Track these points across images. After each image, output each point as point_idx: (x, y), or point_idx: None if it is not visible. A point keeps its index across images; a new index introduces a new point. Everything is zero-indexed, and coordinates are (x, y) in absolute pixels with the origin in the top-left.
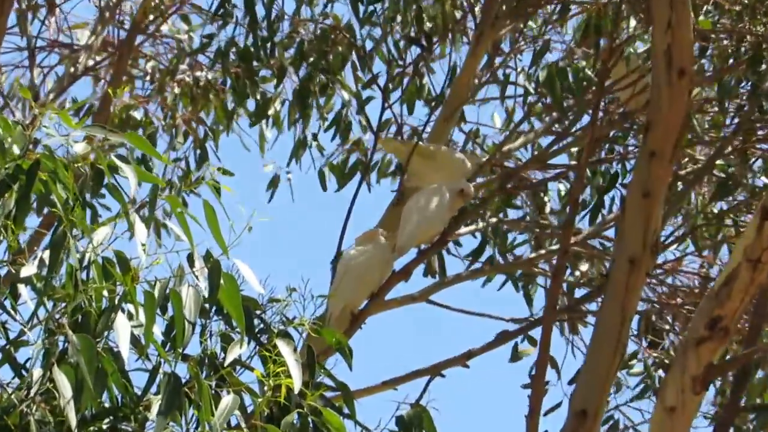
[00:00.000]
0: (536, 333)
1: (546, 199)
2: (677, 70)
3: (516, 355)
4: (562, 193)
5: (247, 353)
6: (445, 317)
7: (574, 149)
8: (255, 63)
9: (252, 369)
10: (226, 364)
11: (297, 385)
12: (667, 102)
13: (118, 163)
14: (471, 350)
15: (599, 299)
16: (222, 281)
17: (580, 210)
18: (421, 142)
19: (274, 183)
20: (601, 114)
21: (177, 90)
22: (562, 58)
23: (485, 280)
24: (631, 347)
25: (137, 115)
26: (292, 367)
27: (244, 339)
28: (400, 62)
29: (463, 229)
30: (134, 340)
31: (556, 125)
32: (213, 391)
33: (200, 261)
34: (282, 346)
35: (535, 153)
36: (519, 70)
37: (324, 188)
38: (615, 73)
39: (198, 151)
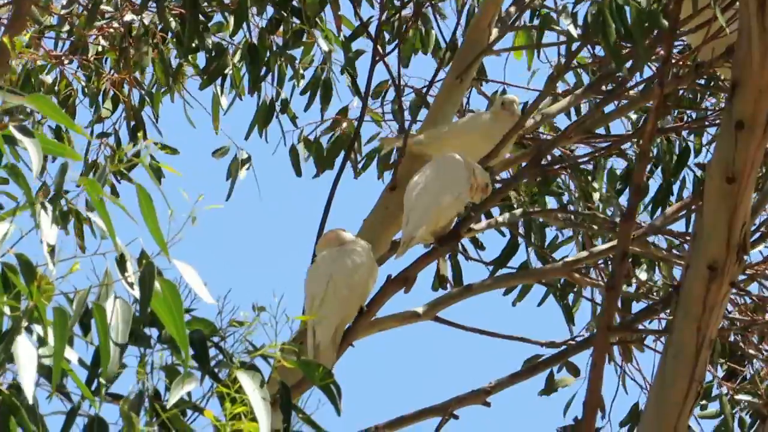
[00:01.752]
0: (577, 359)
1: (594, 183)
2: None
3: (551, 387)
4: (617, 172)
5: (201, 392)
6: (459, 337)
7: (631, 114)
8: (205, 2)
9: (203, 411)
10: (169, 405)
11: (264, 431)
12: (759, 54)
13: (16, 134)
14: (492, 384)
15: (664, 315)
16: (160, 290)
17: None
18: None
19: (234, 168)
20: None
21: (101, 41)
22: None
23: (519, 293)
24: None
25: (48, 78)
26: (257, 407)
27: (188, 368)
28: (397, 1)
29: (482, 223)
30: (47, 373)
31: (607, 83)
32: None
33: (134, 265)
34: (245, 380)
35: (576, 119)
36: (560, 9)
37: (298, 173)
38: (683, 10)
39: (132, 123)
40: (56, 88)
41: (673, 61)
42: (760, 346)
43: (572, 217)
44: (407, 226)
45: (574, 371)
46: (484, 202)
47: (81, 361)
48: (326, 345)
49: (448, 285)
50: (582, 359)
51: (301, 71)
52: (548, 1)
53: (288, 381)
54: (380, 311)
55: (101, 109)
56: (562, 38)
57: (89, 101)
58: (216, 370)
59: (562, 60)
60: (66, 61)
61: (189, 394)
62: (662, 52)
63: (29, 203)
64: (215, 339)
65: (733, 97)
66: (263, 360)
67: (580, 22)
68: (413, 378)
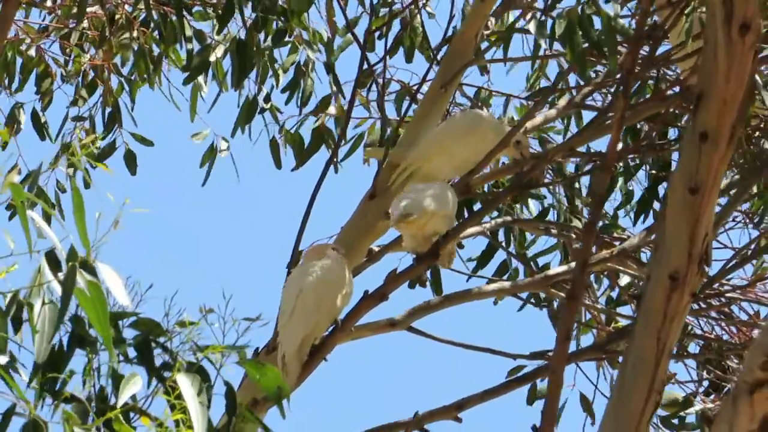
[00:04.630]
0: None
1: (576, 185)
2: (739, 24)
3: (535, 395)
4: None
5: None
6: (433, 347)
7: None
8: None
9: (148, 415)
10: (119, 405)
11: None
12: (724, 67)
13: None
14: (464, 399)
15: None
16: (87, 291)
17: (626, 208)
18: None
19: (209, 157)
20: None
21: (85, 25)
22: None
23: (496, 297)
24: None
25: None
26: (193, 412)
27: (116, 364)
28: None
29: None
30: None
31: (593, 97)
32: None
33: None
34: (184, 383)
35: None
36: (529, 18)
37: (278, 165)
38: (673, 37)
39: (109, 110)
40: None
41: (659, 81)
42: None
43: (551, 227)
44: (406, 204)
45: None
46: (465, 222)
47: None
48: (290, 357)
49: (426, 284)
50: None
51: (281, 72)
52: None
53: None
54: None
55: (79, 92)
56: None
57: (74, 83)
58: (162, 371)
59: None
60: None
61: (134, 395)
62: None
63: None
64: (162, 340)
65: (698, 109)
66: (211, 363)
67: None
68: (385, 388)
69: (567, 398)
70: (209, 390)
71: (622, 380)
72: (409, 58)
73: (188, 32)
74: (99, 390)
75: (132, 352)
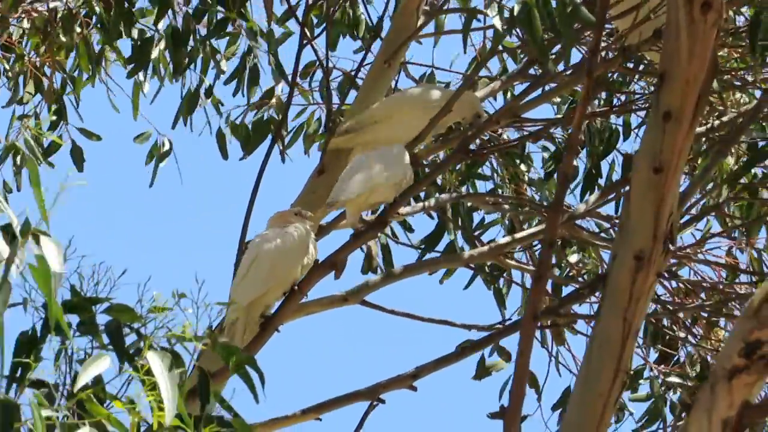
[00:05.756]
0: (508, 343)
1: (522, 166)
2: (701, 2)
3: (483, 371)
4: (545, 156)
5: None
6: (387, 321)
7: (557, 99)
8: None
9: (114, 398)
10: (77, 387)
11: (169, 415)
12: (686, 47)
13: None
14: (419, 368)
15: (593, 299)
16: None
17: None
18: (341, 122)
19: (154, 155)
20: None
21: (26, 24)
22: None
23: (444, 274)
24: (636, 361)
25: None
26: (163, 389)
27: (71, 340)
28: None
29: (411, 207)
30: None
31: (534, 68)
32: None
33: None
34: (153, 361)
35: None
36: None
37: (224, 156)
38: None
39: (54, 107)
40: None
41: (602, 45)
42: (692, 329)
43: (501, 201)
44: (345, 184)
45: (506, 356)
46: (411, 188)
47: None
48: (236, 319)
49: (378, 268)
50: (512, 343)
51: (224, 62)
52: None
53: (213, 365)
54: (307, 295)
55: (22, 92)
56: (488, 21)
57: (8, 82)
58: (136, 357)
59: (488, 43)
60: None
61: (100, 378)
62: (590, 39)
63: None
64: (136, 326)
65: (661, 88)
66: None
67: (506, 13)
68: (340, 362)
69: (511, 375)
70: (182, 370)
71: (589, 360)
72: (333, 45)
73: (131, 26)
74: (72, 375)
75: (106, 339)
